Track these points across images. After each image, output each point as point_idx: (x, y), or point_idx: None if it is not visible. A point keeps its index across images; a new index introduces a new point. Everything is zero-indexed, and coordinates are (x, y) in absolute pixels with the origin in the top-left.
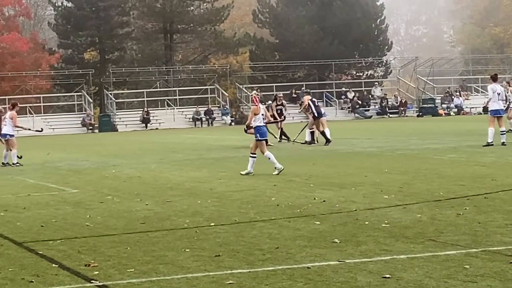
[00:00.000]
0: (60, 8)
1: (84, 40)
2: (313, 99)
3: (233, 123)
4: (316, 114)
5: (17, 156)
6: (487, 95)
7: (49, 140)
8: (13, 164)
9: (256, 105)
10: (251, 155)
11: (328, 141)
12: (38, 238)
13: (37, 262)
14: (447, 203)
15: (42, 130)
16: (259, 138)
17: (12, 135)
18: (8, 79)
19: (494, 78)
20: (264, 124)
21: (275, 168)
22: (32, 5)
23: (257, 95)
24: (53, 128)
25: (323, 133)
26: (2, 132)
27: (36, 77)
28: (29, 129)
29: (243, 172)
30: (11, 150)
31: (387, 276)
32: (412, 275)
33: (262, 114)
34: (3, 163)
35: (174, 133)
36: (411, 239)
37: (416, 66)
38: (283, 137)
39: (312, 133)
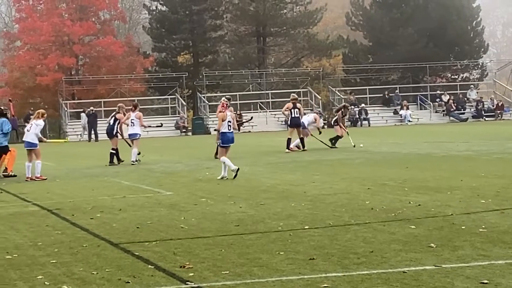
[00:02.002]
0: (154, 12)
1: (177, 43)
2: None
3: (325, 126)
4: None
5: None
6: None
7: (143, 142)
8: (132, 162)
9: (223, 112)
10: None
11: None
12: (134, 239)
13: (133, 263)
14: None
15: (161, 125)
16: (221, 145)
17: (140, 135)
18: (104, 82)
19: None
20: (231, 131)
21: (221, 175)
22: (127, 9)
23: (226, 101)
24: (147, 131)
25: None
26: (132, 132)
27: (131, 80)
28: (150, 126)
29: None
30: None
31: (485, 281)
32: (511, 281)
33: (229, 121)
34: (133, 161)
35: (266, 136)
36: (510, 244)
37: None
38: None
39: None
